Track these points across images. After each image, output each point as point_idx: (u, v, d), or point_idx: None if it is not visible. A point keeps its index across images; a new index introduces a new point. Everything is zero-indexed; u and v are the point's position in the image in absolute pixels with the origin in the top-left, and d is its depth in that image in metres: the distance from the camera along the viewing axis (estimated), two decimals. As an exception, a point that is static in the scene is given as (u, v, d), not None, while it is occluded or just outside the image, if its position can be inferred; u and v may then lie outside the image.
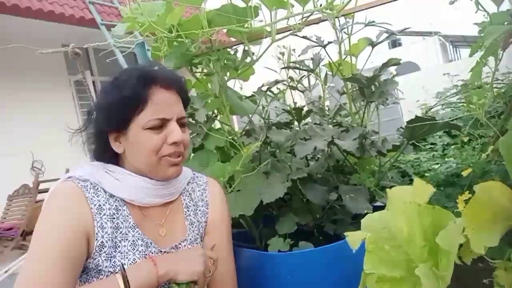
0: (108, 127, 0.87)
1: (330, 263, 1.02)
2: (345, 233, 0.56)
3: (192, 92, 1.51)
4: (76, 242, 0.77)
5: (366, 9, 1.26)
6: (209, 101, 1.35)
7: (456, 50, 17.12)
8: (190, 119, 1.30)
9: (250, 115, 1.39)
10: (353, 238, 0.53)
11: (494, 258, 0.56)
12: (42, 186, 4.34)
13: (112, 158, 0.91)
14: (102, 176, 0.86)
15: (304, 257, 1.02)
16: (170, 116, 0.85)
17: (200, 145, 1.30)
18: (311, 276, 1.01)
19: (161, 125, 0.85)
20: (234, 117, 1.74)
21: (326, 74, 1.54)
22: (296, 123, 1.42)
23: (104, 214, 0.82)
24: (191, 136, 1.33)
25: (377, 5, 1.27)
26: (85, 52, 5.75)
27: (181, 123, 0.89)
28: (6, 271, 3.25)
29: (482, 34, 0.94)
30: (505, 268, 0.57)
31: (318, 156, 1.40)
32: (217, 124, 1.41)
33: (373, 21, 1.34)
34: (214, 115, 1.43)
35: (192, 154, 1.33)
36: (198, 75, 1.42)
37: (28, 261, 0.75)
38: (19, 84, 5.01)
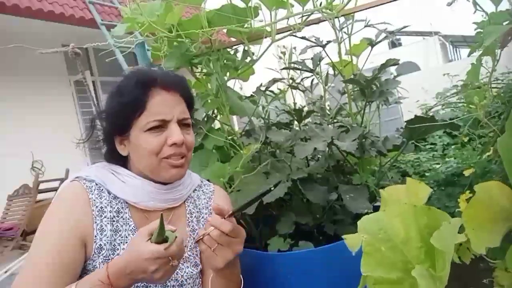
0: (112, 132, 0.88)
1: (330, 263, 1.02)
2: (343, 236, 0.56)
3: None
4: (71, 248, 0.77)
5: (366, 9, 1.26)
6: (209, 101, 1.34)
7: (456, 50, 17.10)
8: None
9: (250, 115, 1.38)
10: (351, 241, 0.53)
11: (494, 258, 0.56)
12: (42, 186, 4.34)
13: (120, 160, 0.91)
14: (107, 177, 0.86)
15: (304, 257, 1.02)
16: (169, 117, 0.85)
17: (200, 145, 1.30)
18: (311, 276, 1.01)
19: (161, 126, 0.84)
20: (234, 117, 1.74)
21: (327, 74, 1.53)
22: (296, 123, 1.41)
23: (104, 217, 0.83)
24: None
25: (377, 5, 1.26)
26: (85, 52, 5.74)
27: (184, 124, 0.88)
28: (6, 271, 3.25)
29: (481, 34, 0.94)
30: (505, 268, 0.57)
31: (318, 156, 1.40)
32: (217, 124, 1.40)
33: (372, 24, 1.33)
34: (214, 115, 1.42)
35: (192, 154, 1.33)
36: (198, 75, 1.42)
37: (25, 264, 0.76)
38: (19, 84, 5.01)
